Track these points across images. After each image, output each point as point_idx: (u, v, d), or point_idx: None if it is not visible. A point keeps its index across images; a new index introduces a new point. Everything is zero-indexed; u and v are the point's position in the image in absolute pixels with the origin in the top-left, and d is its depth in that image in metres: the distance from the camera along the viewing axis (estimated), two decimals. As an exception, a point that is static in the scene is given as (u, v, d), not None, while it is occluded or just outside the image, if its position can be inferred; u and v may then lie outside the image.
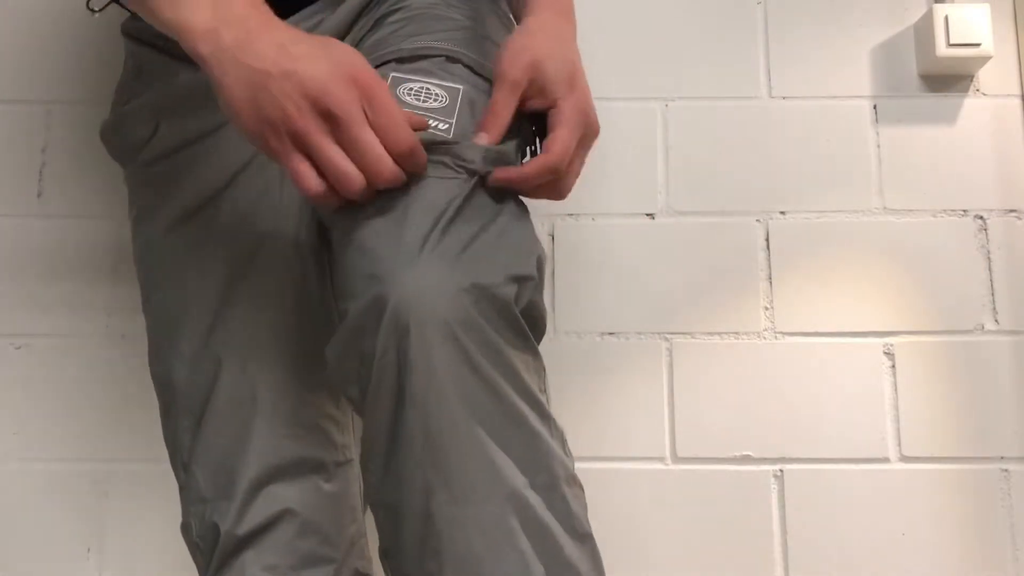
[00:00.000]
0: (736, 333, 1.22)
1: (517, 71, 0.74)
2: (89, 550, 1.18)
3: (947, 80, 1.27)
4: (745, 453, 1.19)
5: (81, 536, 1.18)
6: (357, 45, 0.83)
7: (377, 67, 0.75)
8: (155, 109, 0.88)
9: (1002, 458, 1.18)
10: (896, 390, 1.20)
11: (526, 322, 0.68)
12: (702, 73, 1.28)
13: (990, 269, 1.22)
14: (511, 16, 0.93)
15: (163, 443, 0.87)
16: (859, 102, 1.27)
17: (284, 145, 0.66)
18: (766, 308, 1.22)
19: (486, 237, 0.68)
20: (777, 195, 1.25)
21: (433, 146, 0.70)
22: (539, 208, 1.17)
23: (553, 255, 1.24)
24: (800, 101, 1.27)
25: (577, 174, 0.78)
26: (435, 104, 0.73)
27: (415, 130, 0.69)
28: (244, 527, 0.80)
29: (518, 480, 0.64)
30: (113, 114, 0.93)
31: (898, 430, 1.19)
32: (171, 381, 0.85)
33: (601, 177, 1.24)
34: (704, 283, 1.23)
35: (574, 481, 0.68)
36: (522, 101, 0.75)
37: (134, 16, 0.91)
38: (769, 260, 1.23)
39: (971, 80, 1.27)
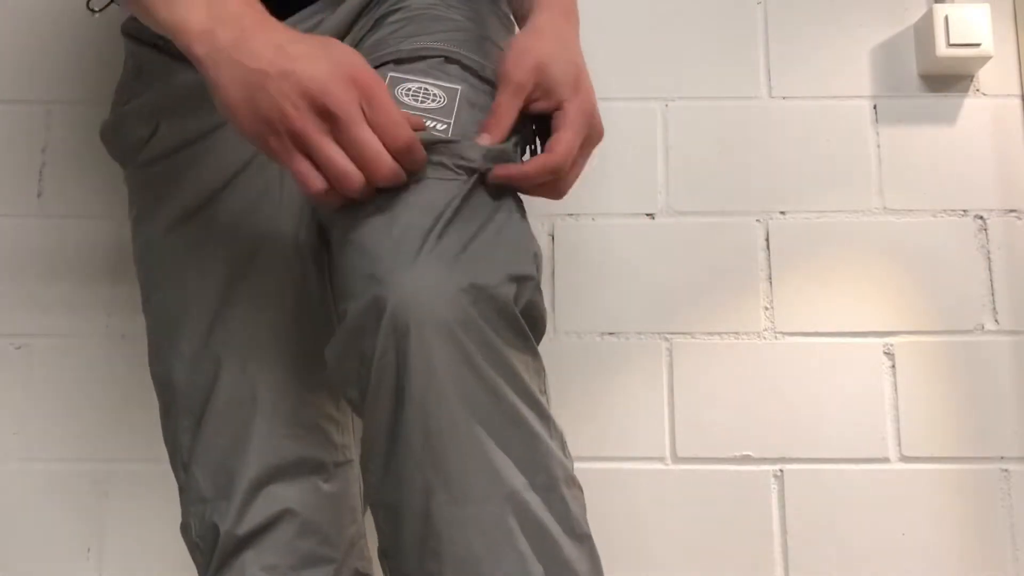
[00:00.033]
0: (736, 333, 1.22)
1: (522, 73, 0.74)
2: (89, 550, 1.18)
3: (947, 80, 1.27)
4: (745, 453, 1.19)
5: (81, 536, 1.18)
6: (356, 45, 0.83)
7: (376, 68, 0.75)
8: (155, 109, 0.88)
9: (1002, 458, 1.18)
10: (896, 390, 1.20)
11: (526, 322, 0.68)
12: (702, 73, 1.28)
13: (990, 269, 1.22)
14: (511, 16, 0.93)
15: (163, 443, 0.87)
16: (859, 102, 1.27)
17: (284, 145, 0.66)
18: (766, 308, 1.22)
19: (485, 237, 0.68)
20: (777, 195, 1.25)
21: (433, 145, 0.70)
22: (539, 208, 1.17)
23: (553, 255, 1.24)
24: (800, 101, 1.27)
25: (578, 175, 0.78)
26: (433, 104, 0.73)
27: (414, 131, 0.68)
28: (244, 527, 0.80)
29: (517, 481, 0.64)
30: (113, 114, 0.93)
31: (898, 430, 1.19)
32: (171, 381, 0.85)
33: (601, 177, 1.24)
34: (704, 283, 1.23)
35: (573, 482, 0.68)
36: (527, 103, 0.75)
37: (134, 16, 0.91)
38: (769, 260, 1.23)
39: (971, 80, 1.27)
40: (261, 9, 0.70)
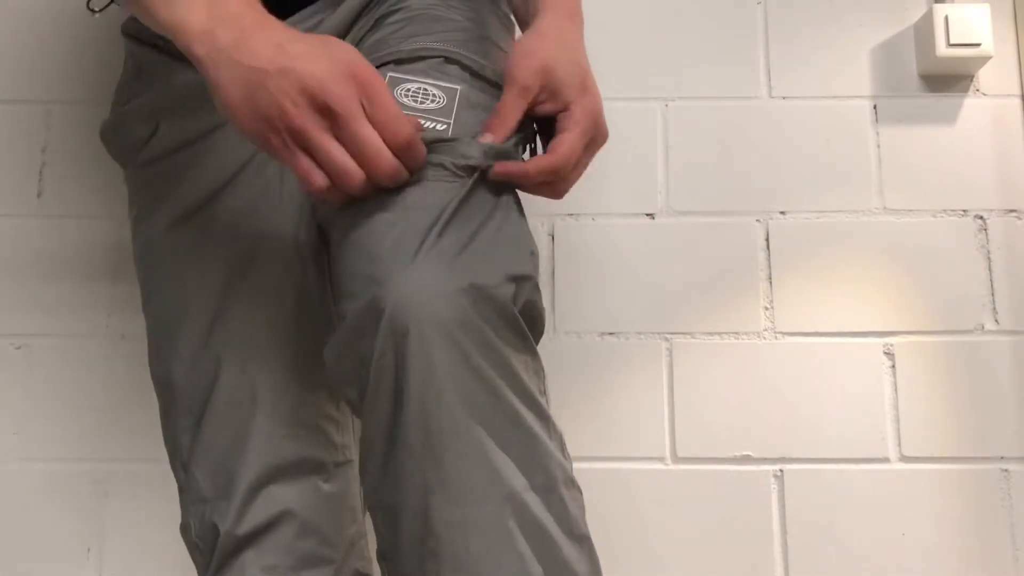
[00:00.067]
0: (736, 333, 1.22)
1: (527, 76, 0.74)
2: (89, 550, 1.18)
3: (947, 80, 1.27)
4: (745, 453, 1.19)
5: (81, 536, 1.18)
6: (356, 45, 0.83)
7: (376, 68, 0.74)
8: (155, 109, 0.88)
9: (1002, 458, 1.18)
10: (896, 390, 1.20)
11: (524, 322, 0.68)
12: (702, 73, 1.28)
13: (990, 269, 1.22)
14: (511, 16, 0.93)
15: (163, 443, 0.87)
16: (859, 102, 1.27)
17: (285, 143, 0.66)
18: (766, 308, 1.22)
19: (483, 237, 0.68)
20: (777, 195, 1.25)
21: (433, 144, 0.70)
22: (539, 208, 1.17)
23: (553, 255, 1.24)
24: (800, 101, 1.27)
25: (579, 176, 0.78)
26: (433, 105, 0.73)
27: None
28: (244, 527, 0.80)
29: (516, 481, 0.64)
30: (113, 114, 0.93)
31: (898, 430, 1.19)
32: (171, 381, 0.85)
33: (601, 177, 1.24)
34: (704, 283, 1.23)
35: (572, 483, 0.68)
36: (532, 105, 0.75)
37: (134, 16, 0.91)
38: (769, 260, 1.23)
39: (971, 80, 1.27)
40: (261, 9, 0.70)
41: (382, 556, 0.69)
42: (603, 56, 1.26)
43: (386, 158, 0.66)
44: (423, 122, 0.71)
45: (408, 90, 0.74)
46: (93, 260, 1.23)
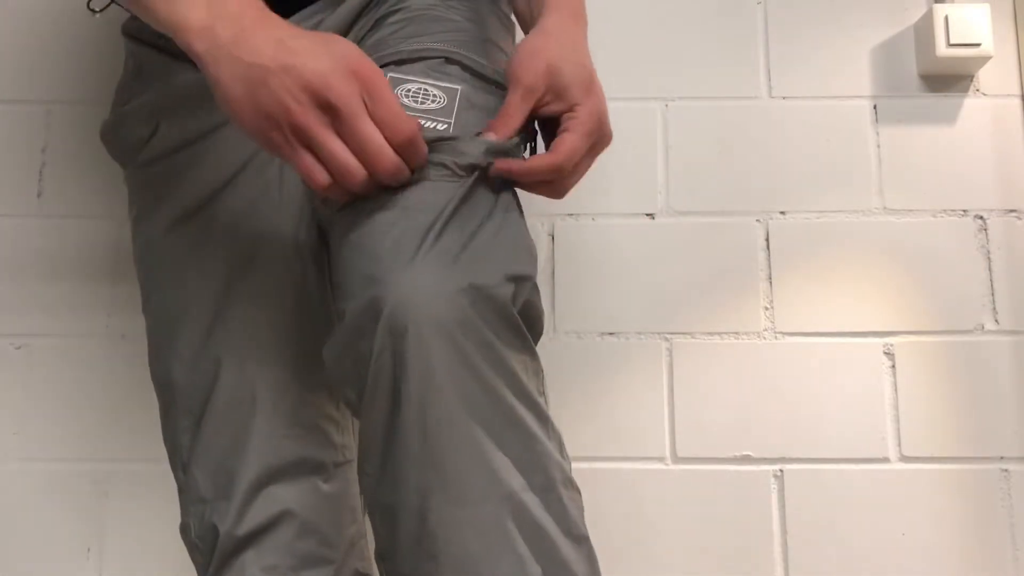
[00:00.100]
0: (736, 333, 1.22)
1: (533, 76, 0.74)
2: (89, 550, 1.18)
3: (947, 80, 1.27)
4: (745, 453, 1.19)
5: (81, 536, 1.18)
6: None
7: (376, 68, 0.75)
8: (155, 109, 0.88)
9: (1002, 458, 1.18)
10: (896, 390, 1.20)
11: (524, 322, 0.68)
12: (702, 73, 1.28)
13: (990, 269, 1.22)
14: (511, 17, 0.93)
15: (163, 443, 0.87)
16: (859, 102, 1.27)
17: (287, 140, 0.66)
18: (766, 308, 1.22)
19: (483, 237, 0.68)
20: (777, 195, 1.25)
21: (433, 143, 0.70)
22: (539, 208, 1.17)
23: (553, 255, 1.24)
24: (800, 101, 1.27)
25: (581, 177, 0.78)
26: (433, 105, 0.73)
27: None
28: (243, 528, 0.79)
29: (515, 482, 0.64)
30: (113, 114, 0.93)
31: (898, 430, 1.19)
32: (171, 381, 0.85)
33: (601, 177, 1.23)
34: (704, 283, 1.23)
35: (571, 484, 0.68)
36: (537, 106, 0.75)
37: (134, 16, 0.91)
38: (769, 260, 1.23)
39: (971, 80, 1.27)
40: (261, 6, 0.70)
41: (380, 556, 0.68)
42: (603, 56, 1.25)
43: (388, 156, 0.66)
44: (423, 122, 0.71)
45: (408, 90, 0.74)
46: (93, 260, 1.23)
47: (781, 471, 1.18)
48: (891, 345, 1.21)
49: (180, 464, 0.84)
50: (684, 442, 1.19)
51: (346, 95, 0.65)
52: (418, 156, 0.68)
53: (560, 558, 0.64)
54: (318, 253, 0.86)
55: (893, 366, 1.20)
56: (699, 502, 1.18)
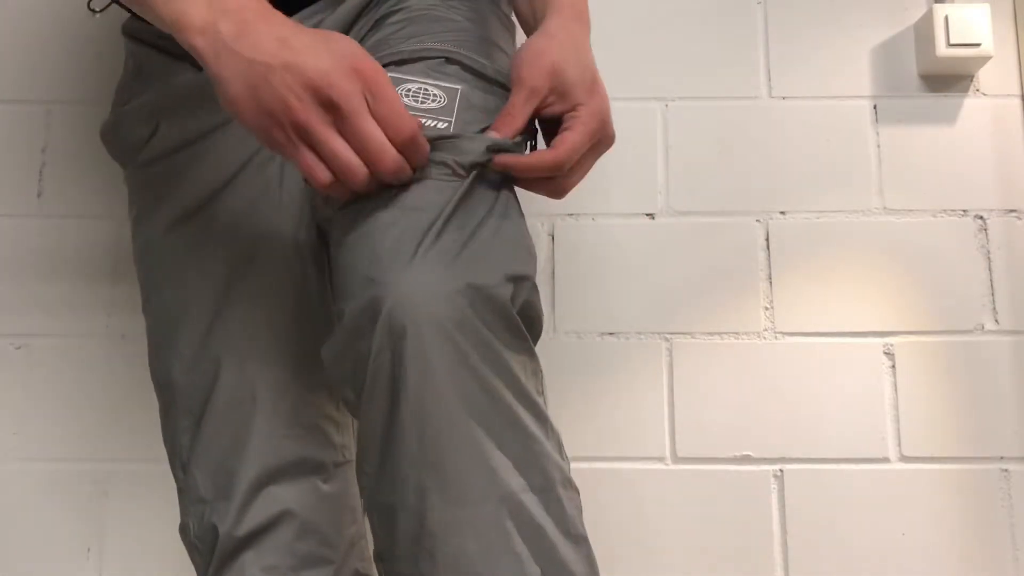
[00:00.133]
0: (736, 333, 1.22)
1: (537, 77, 0.74)
2: (89, 550, 1.18)
3: (947, 80, 1.27)
4: (745, 453, 1.19)
5: (81, 536, 1.18)
6: (357, 45, 0.83)
7: (377, 69, 0.75)
8: (155, 109, 0.88)
9: (1002, 458, 1.18)
10: (896, 390, 1.20)
11: (523, 322, 0.68)
12: (702, 73, 1.28)
13: (990, 269, 1.22)
14: (512, 17, 0.93)
15: (163, 443, 0.87)
16: (859, 102, 1.27)
17: (289, 138, 0.66)
18: (766, 308, 1.22)
19: (482, 236, 0.68)
20: (777, 195, 1.25)
21: (436, 142, 0.70)
22: (539, 208, 1.17)
23: (553, 255, 1.24)
24: (800, 101, 1.27)
25: (582, 177, 0.78)
26: (434, 104, 0.73)
27: None
28: (243, 528, 0.79)
29: (514, 482, 0.64)
30: (113, 114, 0.93)
31: (898, 430, 1.19)
32: (170, 381, 0.85)
33: (601, 177, 1.23)
34: (704, 283, 1.23)
35: (569, 484, 0.68)
36: (541, 107, 0.75)
37: (135, 16, 0.91)
38: (769, 260, 1.23)
39: (971, 80, 1.27)
40: (263, 2, 0.70)
41: (379, 557, 0.68)
42: (603, 56, 1.25)
43: (390, 154, 0.66)
44: (424, 121, 0.71)
45: (409, 90, 0.74)
46: (93, 260, 1.23)
47: (781, 471, 1.18)
48: (891, 345, 1.21)
49: (180, 464, 0.84)
50: (684, 442, 1.19)
51: (348, 93, 0.65)
52: (420, 155, 0.68)
53: (559, 558, 0.64)
54: (318, 253, 0.86)
55: (893, 366, 1.20)
56: (699, 502, 1.18)
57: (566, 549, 0.65)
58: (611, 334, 1.22)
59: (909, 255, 1.23)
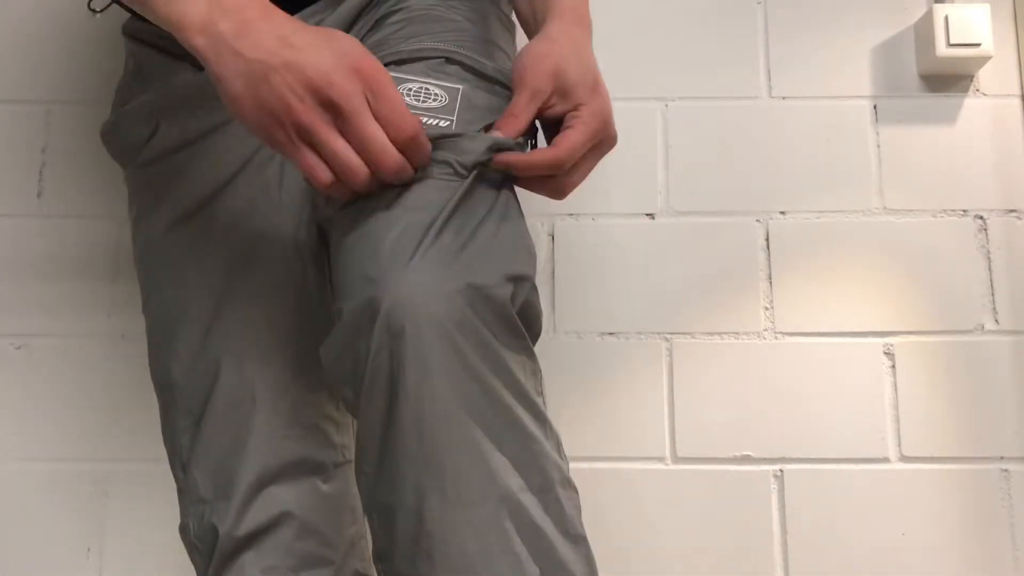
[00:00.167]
0: (736, 333, 1.22)
1: (539, 79, 0.74)
2: (89, 550, 1.18)
3: (947, 80, 1.27)
4: (745, 453, 1.19)
5: (81, 536, 1.18)
6: (357, 46, 0.83)
7: (377, 68, 0.74)
8: (155, 109, 0.88)
9: (1002, 458, 1.18)
10: (896, 390, 1.20)
11: (522, 322, 0.68)
12: (702, 73, 1.28)
13: (990, 269, 1.22)
14: (512, 17, 0.93)
15: (163, 443, 0.87)
16: (859, 102, 1.27)
17: (290, 138, 0.66)
18: (766, 308, 1.22)
19: (482, 236, 0.68)
20: (777, 195, 1.25)
21: (437, 141, 0.70)
22: (539, 208, 1.17)
23: (553, 255, 1.24)
24: (800, 101, 1.27)
25: (583, 178, 0.78)
26: (435, 104, 0.73)
27: None
28: (243, 528, 0.79)
29: (513, 482, 0.64)
30: (113, 114, 0.93)
31: (898, 430, 1.19)
32: (170, 381, 0.85)
33: (601, 177, 1.22)
34: (704, 283, 1.23)
35: (569, 484, 0.68)
36: (543, 108, 0.75)
37: (135, 16, 0.91)
38: (769, 260, 1.23)
39: (971, 80, 1.27)
40: (264, 0, 0.69)
41: (378, 557, 0.68)
42: (603, 56, 1.25)
43: (391, 154, 0.66)
44: (426, 120, 0.71)
45: (410, 89, 0.74)
46: (93, 260, 1.23)
47: (781, 471, 1.18)
48: (891, 345, 1.21)
49: (180, 464, 0.84)
50: (684, 442, 1.19)
51: (349, 93, 0.65)
52: (421, 154, 0.68)
53: (558, 558, 0.64)
54: (318, 253, 0.86)
55: (893, 366, 1.20)
56: (699, 502, 1.18)
57: (565, 549, 0.65)
58: (611, 334, 1.22)
59: (909, 255, 1.23)
